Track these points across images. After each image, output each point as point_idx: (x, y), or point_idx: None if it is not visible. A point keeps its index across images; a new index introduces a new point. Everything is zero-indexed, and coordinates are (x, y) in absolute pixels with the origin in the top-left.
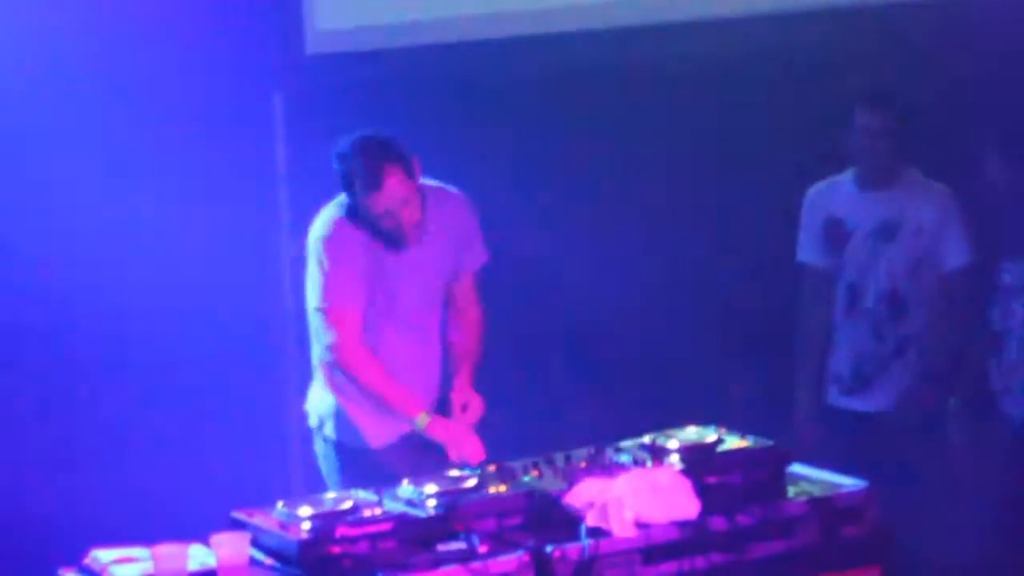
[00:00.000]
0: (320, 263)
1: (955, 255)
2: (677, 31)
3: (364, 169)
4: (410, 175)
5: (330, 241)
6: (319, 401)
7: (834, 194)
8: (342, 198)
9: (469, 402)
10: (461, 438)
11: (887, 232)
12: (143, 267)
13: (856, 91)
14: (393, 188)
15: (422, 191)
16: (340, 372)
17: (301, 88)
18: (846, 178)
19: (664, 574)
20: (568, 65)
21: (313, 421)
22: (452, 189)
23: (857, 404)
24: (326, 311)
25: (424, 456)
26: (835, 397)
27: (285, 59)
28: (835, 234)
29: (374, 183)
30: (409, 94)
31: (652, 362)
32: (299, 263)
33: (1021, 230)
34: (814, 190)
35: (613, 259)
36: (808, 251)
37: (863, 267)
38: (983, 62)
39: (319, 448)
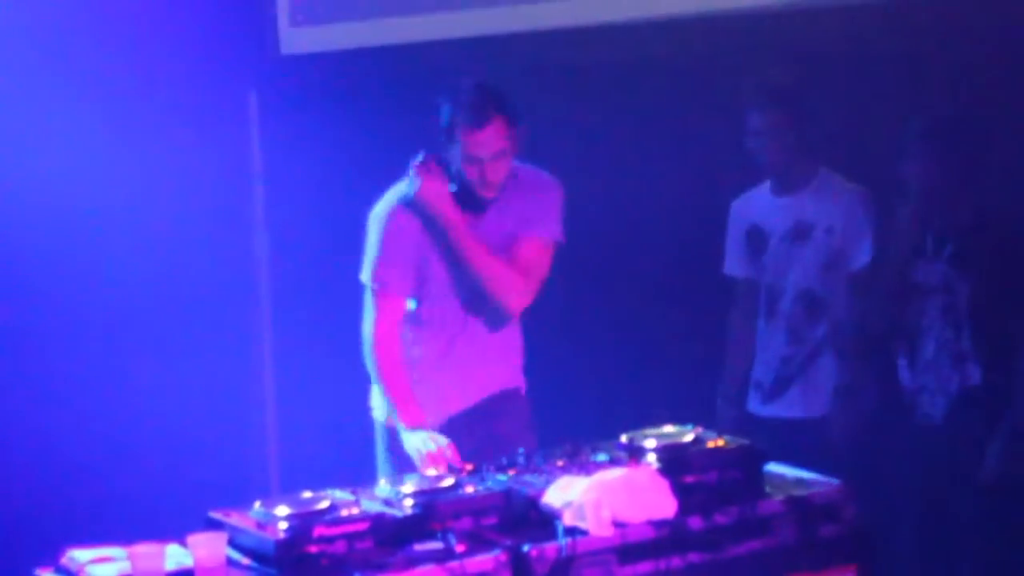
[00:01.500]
0: (374, 241)
1: (861, 253)
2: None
3: (472, 106)
4: (512, 128)
5: (385, 221)
6: (376, 394)
7: (752, 203)
8: (404, 185)
9: None
10: (438, 456)
11: (800, 234)
12: (118, 266)
13: (746, 93)
14: (492, 134)
15: (513, 170)
16: (368, 354)
17: (276, 87)
18: (763, 186)
19: (641, 573)
20: (543, 64)
21: (378, 414)
22: (544, 173)
23: (777, 411)
24: (374, 292)
25: (466, 441)
26: (756, 406)
27: (260, 58)
28: (755, 241)
29: (478, 121)
30: (384, 93)
31: (631, 360)
32: (276, 262)
33: (930, 228)
34: (737, 202)
35: (593, 255)
36: (733, 263)
37: (779, 271)
38: (897, 63)
39: (377, 434)
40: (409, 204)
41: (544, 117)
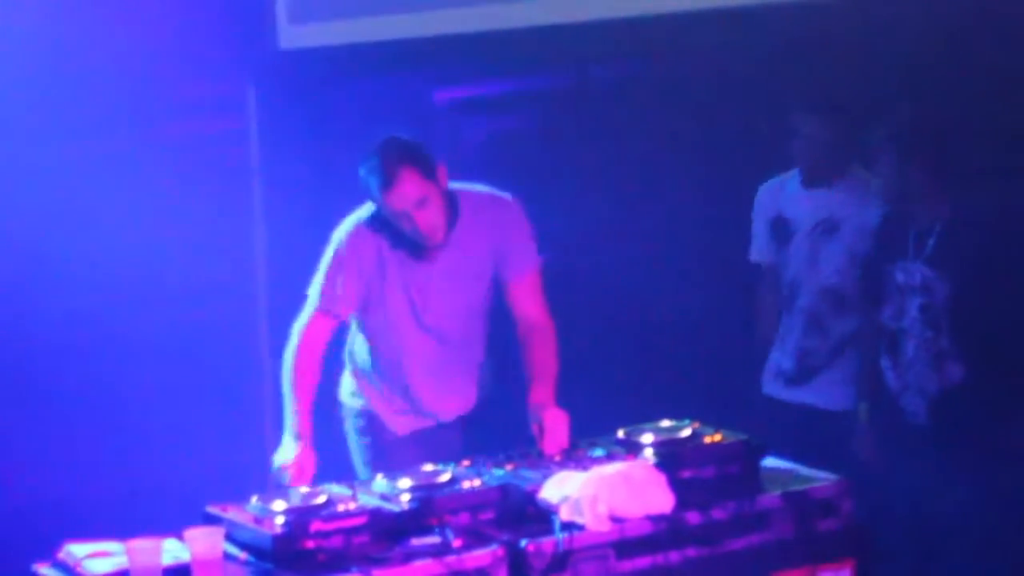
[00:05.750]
0: (329, 259)
1: None
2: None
3: (379, 168)
4: (427, 177)
5: (342, 245)
6: (347, 384)
7: (781, 193)
8: (372, 207)
9: (544, 418)
10: (301, 471)
11: (829, 228)
12: (117, 263)
13: (800, 97)
14: (406, 189)
15: (452, 196)
16: (288, 357)
17: (274, 83)
18: (792, 176)
19: (638, 568)
20: (544, 60)
21: (347, 399)
22: (499, 194)
23: (804, 397)
24: (315, 302)
25: (437, 452)
26: (778, 390)
27: (258, 54)
28: (780, 232)
29: (387, 182)
30: (382, 89)
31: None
32: (274, 257)
33: (912, 229)
34: (763, 189)
35: (587, 252)
36: (758, 250)
37: (803, 263)
38: (877, 61)
39: (347, 420)
40: (371, 224)
41: (541, 112)
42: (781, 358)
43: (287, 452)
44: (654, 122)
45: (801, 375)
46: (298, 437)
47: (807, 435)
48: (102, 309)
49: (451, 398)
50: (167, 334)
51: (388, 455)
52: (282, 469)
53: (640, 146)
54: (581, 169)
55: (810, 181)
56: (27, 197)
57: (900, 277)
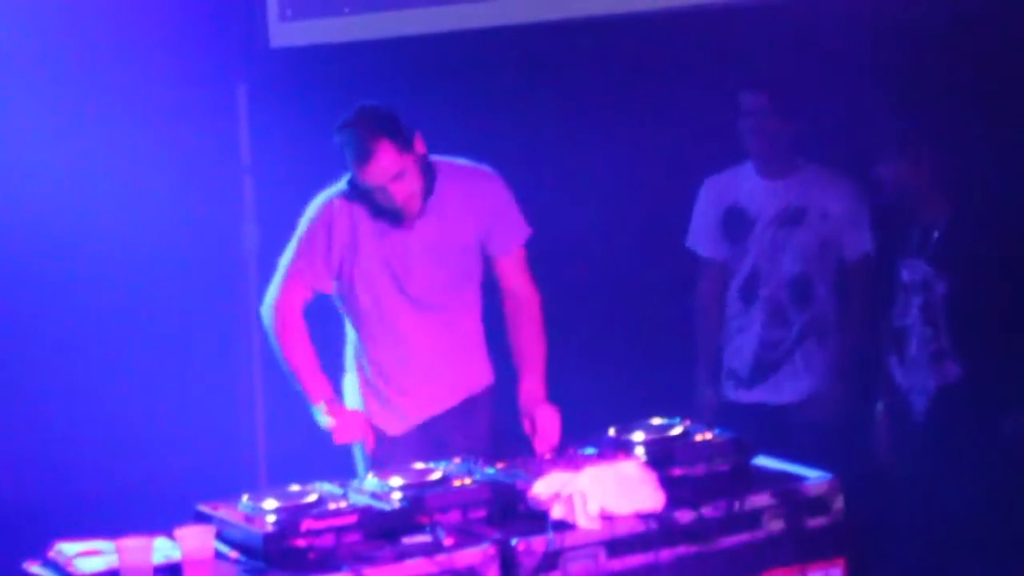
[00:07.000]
0: (302, 230)
1: (859, 242)
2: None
3: (355, 142)
4: (404, 149)
5: (317, 216)
6: (348, 385)
7: (734, 183)
8: (348, 176)
9: (536, 415)
10: (349, 426)
11: (793, 217)
12: (108, 259)
13: (740, 78)
14: (382, 162)
15: (431, 167)
16: (268, 329)
17: (265, 80)
18: (746, 168)
19: (629, 567)
20: (531, 57)
21: (349, 401)
22: (480, 167)
23: (759, 396)
24: (285, 273)
25: (437, 448)
26: (732, 392)
27: (249, 51)
28: (737, 222)
29: (363, 156)
30: (372, 87)
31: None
32: (264, 254)
33: (918, 226)
34: (711, 181)
35: (578, 249)
36: (705, 243)
37: (766, 254)
38: (882, 60)
39: None
40: (346, 196)
41: (528, 109)
42: (734, 357)
43: (327, 420)
44: (646, 117)
45: (760, 371)
46: (324, 400)
47: (777, 435)
48: (93, 308)
49: (450, 374)
50: (158, 332)
51: (392, 460)
52: (335, 435)
53: (629, 144)
54: (579, 169)
55: (768, 171)
56: (17, 195)
57: (905, 274)
